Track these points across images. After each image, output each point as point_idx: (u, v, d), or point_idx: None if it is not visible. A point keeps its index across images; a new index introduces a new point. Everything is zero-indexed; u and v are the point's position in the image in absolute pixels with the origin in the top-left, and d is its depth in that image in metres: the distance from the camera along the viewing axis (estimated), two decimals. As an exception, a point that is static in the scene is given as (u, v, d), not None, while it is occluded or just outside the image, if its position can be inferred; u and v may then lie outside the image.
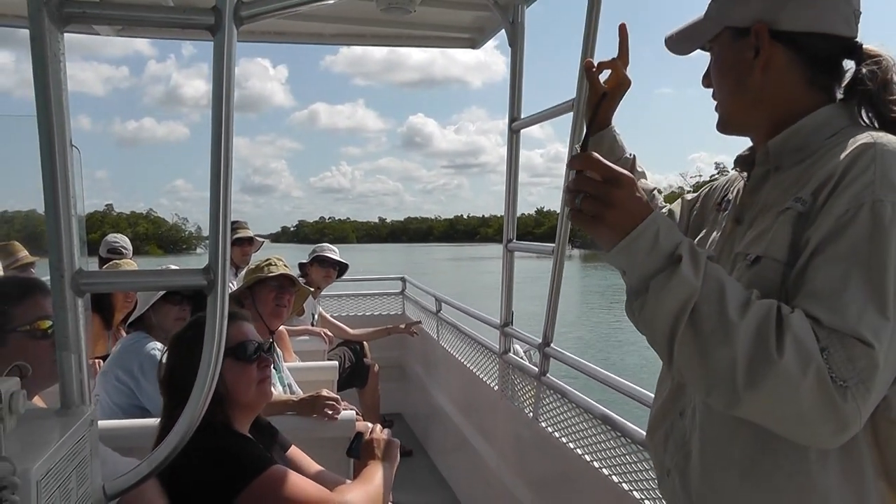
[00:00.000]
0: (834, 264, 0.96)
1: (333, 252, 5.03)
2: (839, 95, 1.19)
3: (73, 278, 0.99)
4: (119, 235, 4.89)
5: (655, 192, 1.67)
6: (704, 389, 0.98)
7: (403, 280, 6.22)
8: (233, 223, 3.83)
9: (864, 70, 1.15)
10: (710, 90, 1.29)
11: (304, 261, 5.04)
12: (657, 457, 1.33)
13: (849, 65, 1.19)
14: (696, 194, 1.54)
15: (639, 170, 1.69)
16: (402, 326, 5.27)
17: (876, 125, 1.15)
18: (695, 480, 1.18)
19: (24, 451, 0.86)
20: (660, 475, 1.32)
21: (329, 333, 4.63)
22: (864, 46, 1.17)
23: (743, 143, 1.32)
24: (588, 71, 1.63)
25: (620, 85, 1.63)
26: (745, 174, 1.30)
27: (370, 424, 2.26)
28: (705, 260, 0.99)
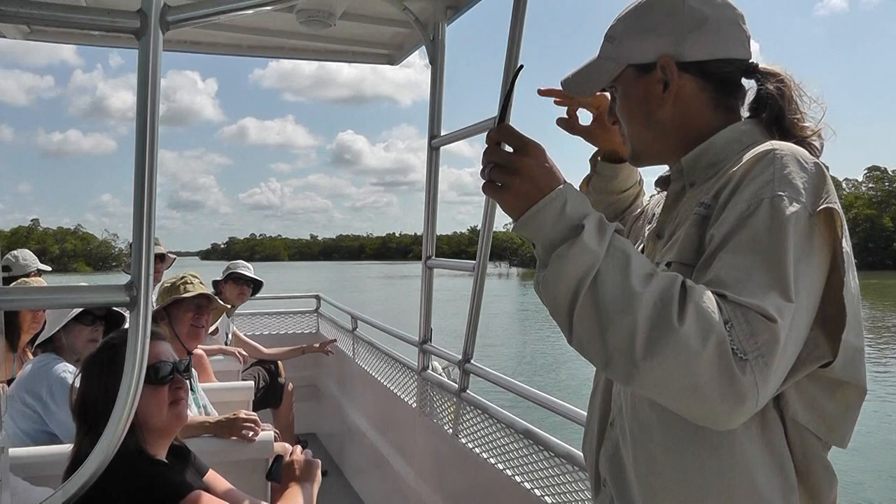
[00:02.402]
0: (737, 255, 0.98)
1: (248, 269, 4.93)
2: (745, 113, 1.24)
3: (-16, 295, 0.92)
4: (18, 251, 4.64)
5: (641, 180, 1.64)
6: (603, 361, 0.96)
7: (318, 298, 6.11)
8: None
9: (769, 87, 1.19)
10: (617, 126, 1.31)
11: (218, 278, 4.91)
12: (591, 468, 1.34)
13: (748, 84, 1.23)
14: (639, 210, 1.58)
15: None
16: (317, 345, 5.20)
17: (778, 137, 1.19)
18: (633, 489, 1.19)
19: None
20: (595, 486, 1.34)
21: (243, 353, 4.51)
22: (760, 66, 1.22)
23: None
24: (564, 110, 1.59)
25: (600, 112, 1.55)
26: (664, 193, 1.34)
27: (288, 446, 2.20)
28: (612, 232, 0.99)
